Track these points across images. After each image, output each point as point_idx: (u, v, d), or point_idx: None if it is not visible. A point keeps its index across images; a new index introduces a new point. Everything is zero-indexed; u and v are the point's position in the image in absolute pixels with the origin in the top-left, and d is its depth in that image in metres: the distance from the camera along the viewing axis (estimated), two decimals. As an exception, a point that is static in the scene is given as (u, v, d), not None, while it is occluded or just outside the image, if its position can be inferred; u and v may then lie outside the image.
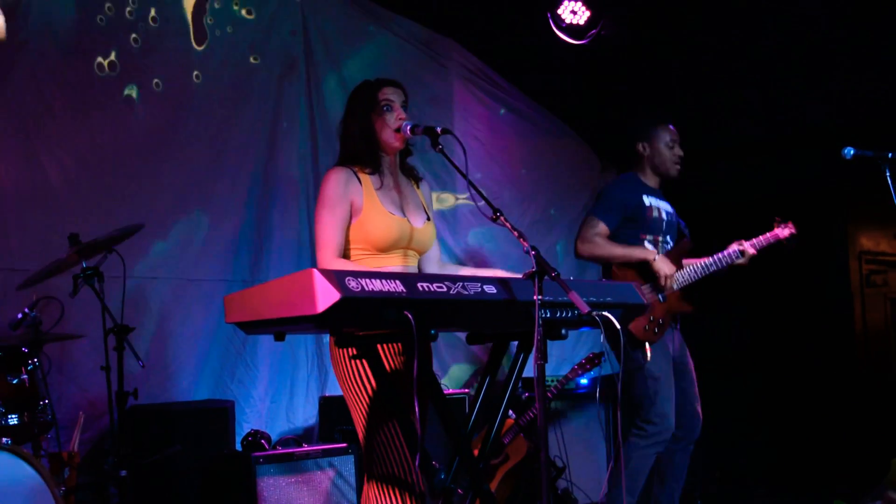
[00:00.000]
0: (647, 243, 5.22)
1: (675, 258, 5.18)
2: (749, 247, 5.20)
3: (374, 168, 3.72)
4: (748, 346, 7.01)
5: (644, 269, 5.10)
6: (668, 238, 5.30)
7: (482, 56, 7.29)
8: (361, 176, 3.69)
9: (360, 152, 3.72)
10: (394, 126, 3.69)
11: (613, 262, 5.15)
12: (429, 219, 3.82)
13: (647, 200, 5.27)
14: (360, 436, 3.55)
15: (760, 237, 5.27)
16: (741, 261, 5.20)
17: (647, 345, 5.02)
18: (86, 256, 4.53)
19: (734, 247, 5.20)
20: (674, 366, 5.15)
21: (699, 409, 5.20)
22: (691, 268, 5.20)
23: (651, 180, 5.40)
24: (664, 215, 5.30)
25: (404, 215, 3.71)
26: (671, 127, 5.40)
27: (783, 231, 5.28)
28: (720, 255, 5.22)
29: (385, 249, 3.64)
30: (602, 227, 5.18)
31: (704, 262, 5.21)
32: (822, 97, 6.47)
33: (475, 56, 7.27)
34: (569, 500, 6.28)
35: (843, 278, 6.99)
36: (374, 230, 3.62)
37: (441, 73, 7.11)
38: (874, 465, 5.66)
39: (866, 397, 6.75)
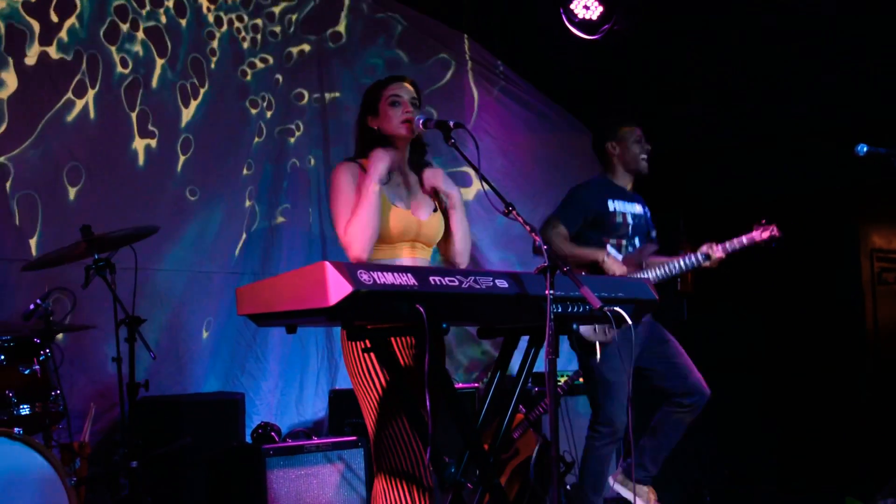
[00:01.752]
0: (609, 247, 5.24)
1: (635, 260, 5.21)
2: (718, 250, 5.17)
3: None
4: (758, 344, 7.00)
5: (598, 271, 5.11)
6: (635, 241, 5.31)
7: (495, 51, 7.28)
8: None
9: (370, 147, 3.74)
10: (400, 119, 3.70)
11: (568, 261, 5.12)
12: (435, 210, 3.82)
13: (612, 205, 5.27)
14: (370, 429, 3.56)
15: (734, 240, 5.24)
16: (707, 263, 5.18)
17: (597, 346, 5.03)
18: (98, 249, 4.54)
19: (703, 248, 5.19)
20: (648, 354, 5.16)
21: (698, 376, 5.17)
22: (654, 269, 5.22)
23: (622, 180, 5.40)
24: (630, 219, 5.30)
25: (408, 208, 3.72)
26: (637, 129, 5.40)
27: (761, 234, 5.22)
28: (685, 256, 5.23)
29: (391, 242, 3.65)
30: (562, 229, 5.23)
31: (669, 264, 5.23)
32: (836, 93, 6.45)
33: (488, 51, 7.26)
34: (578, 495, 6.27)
35: (855, 276, 6.97)
36: (382, 223, 3.62)
37: (453, 68, 7.11)
38: (886, 464, 5.65)
39: (877, 395, 6.73)
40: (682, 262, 5.21)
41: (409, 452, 3.50)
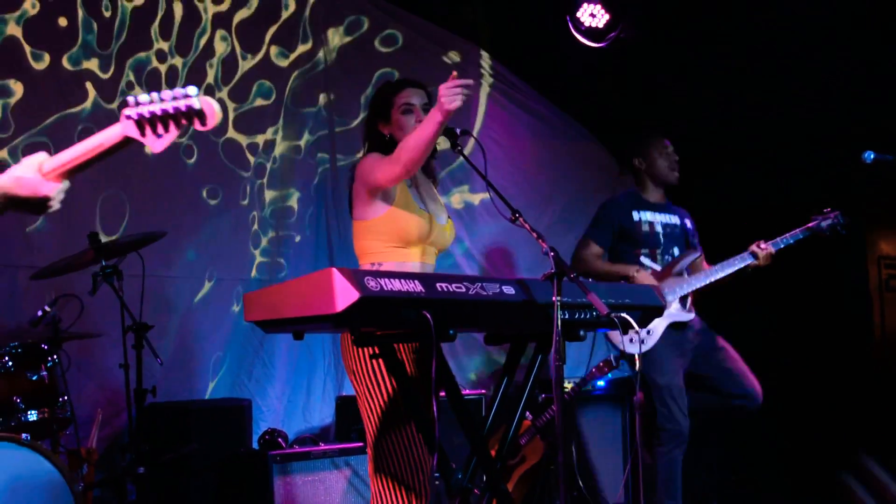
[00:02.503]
0: (643, 258, 5.32)
1: (673, 269, 5.25)
2: (768, 246, 5.22)
3: None
4: (765, 351, 6.97)
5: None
6: (672, 251, 5.36)
7: (501, 59, 7.29)
8: None
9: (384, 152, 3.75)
10: (413, 128, 3.70)
11: (603, 279, 5.26)
12: (449, 217, 3.85)
13: (638, 216, 5.36)
14: (369, 434, 3.56)
15: (787, 234, 5.30)
16: (755, 262, 5.20)
17: (635, 356, 5.03)
18: (105, 256, 4.56)
19: (751, 247, 5.23)
20: (703, 361, 5.29)
21: (752, 380, 5.29)
22: (695, 277, 5.27)
23: (653, 194, 5.47)
24: (659, 228, 5.36)
25: (429, 211, 3.73)
26: (666, 141, 5.47)
27: (821, 222, 5.31)
28: (730, 260, 5.26)
29: (410, 244, 3.66)
30: (594, 247, 5.42)
31: (708, 270, 5.28)
32: (843, 100, 6.44)
33: (494, 59, 7.27)
34: (585, 501, 6.27)
35: (862, 283, 6.95)
36: (405, 224, 3.64)
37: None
38: (893, 471, 5.65)
39: (884, 403, 6.71)
40: (727, 266, 5.26)
41: (409, 459, 3.50)
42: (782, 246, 5.26)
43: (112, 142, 2.33)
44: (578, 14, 6.83)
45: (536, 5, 6.89)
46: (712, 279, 5.24)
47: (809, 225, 5.30)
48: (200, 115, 2.21)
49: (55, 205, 2.41)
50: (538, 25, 7.02)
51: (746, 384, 5.25)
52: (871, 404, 6.71)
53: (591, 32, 6.90)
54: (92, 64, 5.49)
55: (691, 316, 5.27)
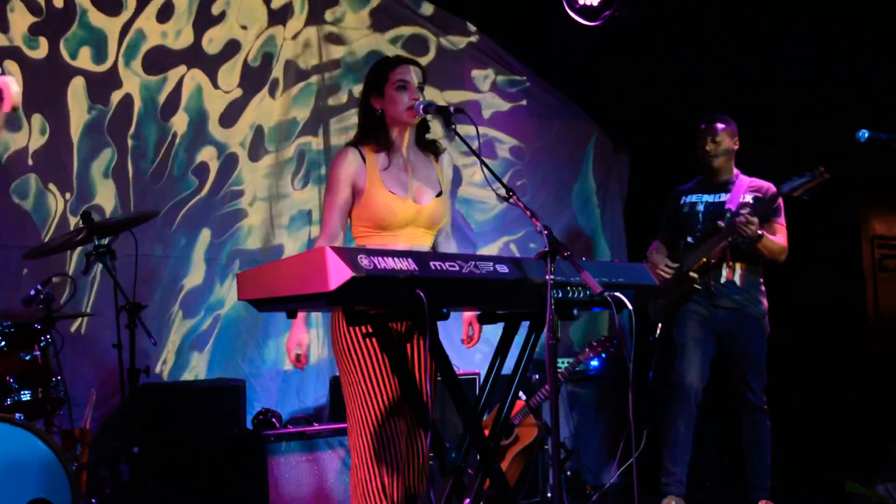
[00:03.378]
0: (689, 239, 5.56)
1: (698, 250, 5.45)
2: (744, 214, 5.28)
3: (384, 146, 3.75)
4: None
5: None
6: (711, 226, 5.47)
7: (496, 38, 7.26)
8: (368, 155, 3.74)
9: (372, 130, 3.77)
10: (406, 105, 3.71)
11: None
12: (440, 194, 3.82)
13: (684, 199, 5.65)
14: (355, 418, 3.58)
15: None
16: (745, 230, 5.22)
17: (658, 325, 5.65)
18: (98, 235, 4.55)
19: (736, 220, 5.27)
20: (720, 340, 5.53)
21: (742, 389, 5.49)
22: (701, 248, 5.46)
23: (710, 175, 5.63)
24: (700, 207, 5.55)
25: (408, 194, 3.72)
26: (702, 125, 5.63)
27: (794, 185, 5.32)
28: (718, 234, 5.37)
29: (386, 227, 3.69)
30: (655, 243, 5.80)
31: (713, 239, 5.40)
32: (837, 78, 6.43)
33: (489, 37, 7.24)
34: (578, 482, 6.29)
35: (856, 263, 6.96)
36: (375, 210, 3.68)
37: (454, 55, 7.09)
38: (886, 449, 5.66)
39: (878, 382, 6.73)
40: (716, 240, 5.37)
41: (383, 434, 3.54)
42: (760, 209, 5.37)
43: None
44: (573, -8, 6.80)
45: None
46: (714, 246, 5.39)
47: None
48: None
49: None
50: (532, 4, 6.99)
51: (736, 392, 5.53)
52: (864, 383, 6.73)
53: (585, 10, 6.88)
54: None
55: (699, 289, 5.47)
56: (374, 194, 3.68)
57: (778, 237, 5.39)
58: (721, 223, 5.35)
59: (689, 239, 5.55)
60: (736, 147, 5.62)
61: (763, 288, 5.53)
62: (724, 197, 5.52)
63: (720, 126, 5.57)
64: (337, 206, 3.71)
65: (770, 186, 5.44)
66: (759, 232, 5.25)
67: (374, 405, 3.55)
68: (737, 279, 5.44)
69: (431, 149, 3.90)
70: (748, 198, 5.46)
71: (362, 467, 3.55)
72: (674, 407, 5.49)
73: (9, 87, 2.04)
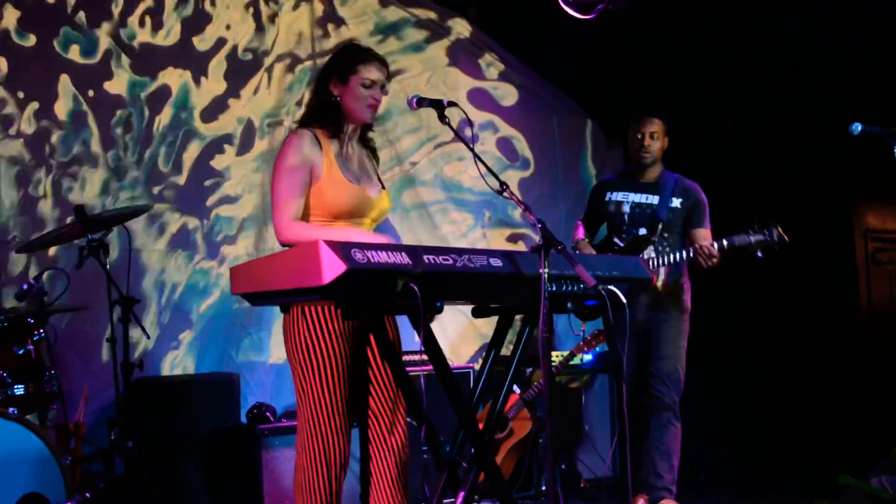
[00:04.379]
0: (616, 240, 5.32)
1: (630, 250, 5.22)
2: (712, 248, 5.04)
3: (336, 134, 3.68)
4: (752, 324, 7.01)
5: None
6: (637, 231, 5.27)
7: (488, 30, 7.26)
8: (322, 140, 3.63)
9: (328, 116, 3.68)
10: (367, 103, 3.66)
11: None
12: (383, 188, 3.80)
13: (609, 195, 5.39)
14: (307, 411, 3.53)
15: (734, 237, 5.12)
16: (701, 260, 5.05)
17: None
18: (91, 230, 4.54)
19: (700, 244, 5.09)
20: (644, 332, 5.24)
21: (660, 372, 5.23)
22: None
23: (639, 171, 5.39)
24: (626, 208, 5.33)
25: (360, 184, 3.69)
26: (639, 119, 5.36)
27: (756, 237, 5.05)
28: (678, 251, 5.17)
29: (340, 217, 3.59)
30: (580, 229, 5.54)
31: (640, 248, 5.23)
32: (830, 72, 6.44)
33: (481, 30, 7.24)
34: (573, 475, 6.30)
35: (849, 256, 6.97)
36: (331, 197, 3.57)
37: (446, 48, 7.08)
38: (879, 442, 5.66)
39: (871, 375, 6.74)
40: (673, 257, 5.16)
41: (330, 428, 3.49)
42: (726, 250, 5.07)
43: None
44: (566, -15, 6.79)
45: (524, -24, 6.86)
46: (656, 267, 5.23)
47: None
48: None
49: None
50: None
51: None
52: (858, 376, 6.75)
53: (578, 4, 6.86)
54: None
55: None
56: (331, 181, 3.58)
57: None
58: (646, 233, 5.20)
59: (617, 240, 5.32)
60: (666, 146, 5.39)
61: (686, 285, 5.33)
62: (652, 199, 5.31)
63: (658, 121, 5.34)
64: (297, 185, 3.52)
65: (696, 189, 5.31)
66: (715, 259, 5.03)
67: (327, 406, 3.49)
68: (659, 283, 5.25)
69: (369, 146, 3.87)
70: (676, 202, 5.27)
71: (310, 468, 3.50)
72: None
73: None
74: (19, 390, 4.40)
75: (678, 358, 5.24)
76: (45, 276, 4.92)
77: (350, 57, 3.72)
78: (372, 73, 3.67)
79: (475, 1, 7.12)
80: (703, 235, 5.23)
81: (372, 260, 2.85)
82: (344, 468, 3.54)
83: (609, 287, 3.19)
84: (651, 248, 5.24)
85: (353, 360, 3.50)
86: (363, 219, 3.67)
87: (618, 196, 5.37)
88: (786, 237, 4.96)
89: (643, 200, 5.34)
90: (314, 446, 3.50)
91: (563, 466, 6.13)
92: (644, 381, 5.23)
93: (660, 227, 5.22)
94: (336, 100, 3.67)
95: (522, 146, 7.39)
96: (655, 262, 5.19)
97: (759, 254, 5.02)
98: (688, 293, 5.34)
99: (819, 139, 5.91)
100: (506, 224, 7.23)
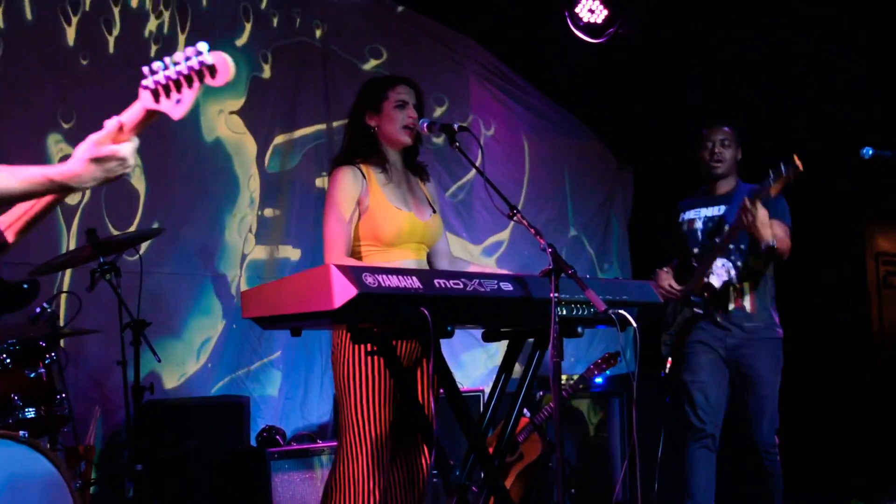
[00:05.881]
0: (692, 259, 5.01)
1: (691, 271, 4.97)
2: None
3: (380, 163, 3.74)
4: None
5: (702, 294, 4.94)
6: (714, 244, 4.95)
7: (499, 54, 7.28)
8: (367, 172, 3.72)
9: (367, 148, 3.75)
10: (403, 124, 3.71)
11: None
12: (434, 212, 3.84)
13: (682, 216, 5.09)
14: (352, 436, 3.55)
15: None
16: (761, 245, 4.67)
17: (668, 360, 5.02)
18: (103, 253, 4.55)
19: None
20: (727, 367, 5.01)
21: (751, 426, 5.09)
22: (699, 269, 4.93)
23: (711, 186, 5.10)
24: (699, 224, 4.99)
25: (410, 209, 3.73)
26: (704, 130, 5.11)
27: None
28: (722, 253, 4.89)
29: (393, 244, 3.68)
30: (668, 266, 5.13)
31: (709, 256, 4.91)
32: (841, 95, 6.44)
33: (492, 54, 7.27)
34: (583, 499, 6.27)
35: (860, 279, 6.95)
36: (382, 225, 3.65)
37: (458, 71, 7.11)
38: (891, 466, 5.64)
39: (883, 399, 6.71)
40: (712, 257, 4.87)
41: (382, 463, 3.52)
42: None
43: (135, 120, 2.26)
44: (577, 9, 6.83)
45: (535, 0, 6.88)
46: (710, 261, 4.88)
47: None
48: (212, 70, 2.15)
49: (131, 161, 2.30)
50: (536, 21, 7.01)
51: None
52: (869, 400, 6.72)
53: (589, 28, 6.90)
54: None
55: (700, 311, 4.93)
56: (380, 210, 3.66)
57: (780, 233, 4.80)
58: (718, 240, 4.86)
59: (693, 261, 4.99)
60: (740, 157, 5.10)
61: (776, 315, 5.09)
62: (723, 209, 4.95)
63: (727, 129, 5.06)
64: (345, 221, 3.62)
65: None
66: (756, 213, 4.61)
67: (371, 429, 3.52)
68: (746, 304, 4.95)
69: (420, 173, 3.91)
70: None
71: (349, 485, 3.52)
72: (689, 455, 5.02)
73: (224, 61, 2.12)
74: (30, 413, 4.39)
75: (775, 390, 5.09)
76: (61, 297, 4.93)
77: (377, 86, 3.81)
78: (401, 93, 3.75)
79: (484, 23, 7.14)
80: (775, 225, 4.78)
81: (383, 284, 2.86)
82: (382, 489, 3.54)
83: (619, 311, 3.19)
84: (723, 260, 4.91)
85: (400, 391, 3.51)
86: (415, 244, 3.71)
87: (690, 214, 5.05)
88: (800, 164, 4.61)
89: (715, 213, 4.99)
90: (356, 469, 3.51)
91: (572, 490, 6.11)
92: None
93: (726, 230, 4.83)
94: (373, 131, 3.73)
95: (532, 170, 7.40)
96: (732, 274, 4.90)
97: (763, 247, 4.65)
98: (778, 325, 5.10)
99: (830, 163, 5.89)
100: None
